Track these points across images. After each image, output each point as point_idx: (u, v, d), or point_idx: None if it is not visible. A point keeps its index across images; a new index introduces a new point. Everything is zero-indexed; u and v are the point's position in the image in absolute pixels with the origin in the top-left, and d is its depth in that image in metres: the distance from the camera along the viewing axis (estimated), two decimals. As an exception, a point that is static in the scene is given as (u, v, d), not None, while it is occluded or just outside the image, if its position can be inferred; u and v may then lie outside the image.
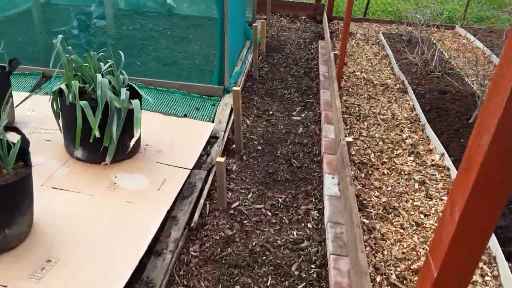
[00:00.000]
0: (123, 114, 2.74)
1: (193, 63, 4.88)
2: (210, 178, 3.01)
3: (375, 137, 3.82)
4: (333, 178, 3.10)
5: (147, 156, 3.01)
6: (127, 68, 4.63)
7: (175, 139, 3.26)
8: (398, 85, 4.91)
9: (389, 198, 3.02)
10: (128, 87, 2.95)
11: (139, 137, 3.05)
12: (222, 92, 4.24)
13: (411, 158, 3.52)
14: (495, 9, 9.19)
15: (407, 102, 4.52)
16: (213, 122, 3.74)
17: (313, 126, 3.98)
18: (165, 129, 3.39)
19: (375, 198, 3.00)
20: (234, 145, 3.53)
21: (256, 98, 4.45)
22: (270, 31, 6.82)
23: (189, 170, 2.93)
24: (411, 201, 3.01)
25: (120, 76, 2.94)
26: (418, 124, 4.06)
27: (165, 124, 3.48)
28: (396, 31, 7.02)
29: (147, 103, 3.93)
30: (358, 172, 3.31)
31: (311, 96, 4.62)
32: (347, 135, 3.82)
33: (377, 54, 5.95)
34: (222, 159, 2.61)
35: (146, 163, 2.92)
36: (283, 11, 7.66)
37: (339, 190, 2.96)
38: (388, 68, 5.44)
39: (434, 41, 5.97)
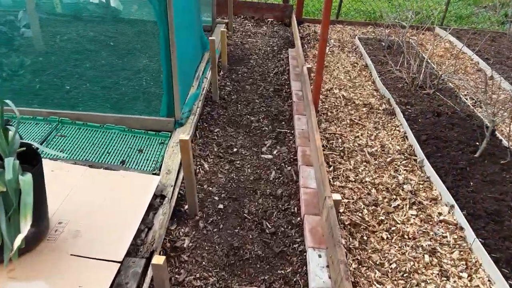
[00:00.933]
0: (14, 199, 1.83)
1: (138, 84, 3.95)
2: (151, 271, 2.15)
3: (366, 181, 3.06)
4: (319, 256, 2.31)
5: (58, 244, 2.10)
6: (50, 97, 3.70)
7: (101, 208, 2.37)
8: (384, 105, 4.18)
9: (395, 282, 2.26)
10: (23, 148, 2.03)
11: (46, 216, 2.15)
12: (173, 125, 3.36)
13: (413, 212, 2.79)
14: (472, 5, 8.69)
15: (397, 128, 3.79)
16: (159, 170, 2.87)
17: (288, 168, 3.17)
18: (88, 192, 2.49)
19: (377, 285, 2.23)
20: (186, 206, 2.68)
21: (216, 130, 3.59)
22: (233, 37, 5.96)
23: (118, 264, 2.05)
24: (423, 284, 2.27)
25: (10, 132, 2.02)
26: (415, 161, 3.33)
27: (89, 183, 2.57)
28: (373, 34, 6.32)
29: (71, 149, 3.00)
30: (350, 239, 2.54)
31: (283, 123, 3.81)
32: (331, 180, 3.04)
33: (355, 65, 5.21)
34: (161, 260, 1.76)
35: (53, 259, 2.02)
36: (247, 13, 6.80)
37: (330, 278, 2.17)
38: (370, 83, 4.70)
39: (418, 49, 5.29)
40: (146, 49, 4.31)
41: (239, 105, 4.05)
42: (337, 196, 2.43)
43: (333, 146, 3.48)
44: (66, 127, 3.26)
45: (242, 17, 6.79)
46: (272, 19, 6.76)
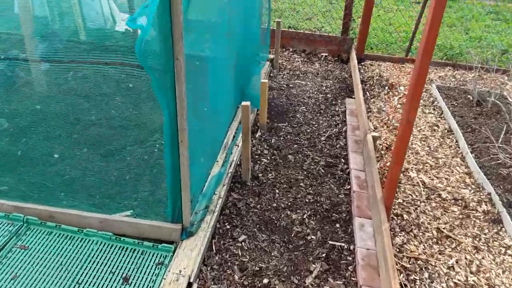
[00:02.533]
0: None
1: (135, 169, 2.96)
2: None
3: None
4: None
5: None
6: (20, 182, 2.64)
7: None
8: (483, 205, 2.94)
9: None
10: None
11: None
12: (179, 235, 2.34)
13: None
14: None
15: (508, 251, 2.56)
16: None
17: (345, 328, 2.05)
18: None
19: None
20: None
21: (242, 238, 2.53)
22: (277, 77, 4.91)
23: None
24: None
25: None
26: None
27: None
28: (454, 80, 5.03)
29: (28, 275, 2.04)
30: None
31: (338, 227, 2.69)
32: None
33: (435, 128, 3.98)
34: None
35: None
36: (297, 45, 5.73)
37: None
38: (458, 160, 3.46)
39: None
40: (147, 114, 3.33)
41: (277, 190, 2.97)
42: None
43: (414, 280, 2.31)
44: (31, 231, 2.33)
45: (291, 50, 5.73)
46: (326, 54, 5.65)
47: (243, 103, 2.78)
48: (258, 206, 2.81)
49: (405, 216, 2.80)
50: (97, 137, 3.24)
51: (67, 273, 2.10)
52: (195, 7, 2.44)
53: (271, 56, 5.11)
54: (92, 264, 2.18)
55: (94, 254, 2.24)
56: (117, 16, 5.30)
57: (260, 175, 3.12)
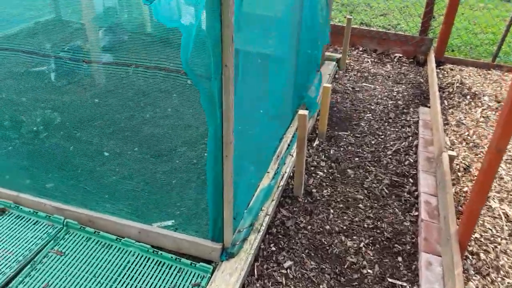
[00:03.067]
0: None
1: (178, 178, 2.80)
2: None
3: None
4: None
5: None
6: (62, 182, 2.55)
7: None
8: None
9: None
10: None
11: None
12: (219, 255, 2.14)
13: None
14: None
15: None
16: None
17: None
18: None
19: None
20: None
21: (288, 264, 2.28)
22: (343, 79, 4.54)
23: None
24: None
25: None
26: None
27: None
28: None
29: (60, 285, 1.95)
30: None
31: (400, 261, 2.34)
32: None
33: (526, 148, 3.42)
34: None
35: None
36: (368, 45, 5.29)
37: None
38: (554, 190, 2.92)
39: None
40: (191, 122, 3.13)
41: (331, 210, 2.67)
42: None
43: None
44: (70, 235, 2.25)
45: (361, 49, 5.31)
46: (400, 55, 5.15)
47: (301, 112, 2.50)
48: (309, 227, 2.53)
49: (482, 255, 2.37)
50: (149, 135, 3.14)
51: (100, 286, 1.99)
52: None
53: (338, 56, 4.75)
54: (127, 279, 2.04)
55: (130, 266, 2.11)
56: (183, 8, 5.23)
57: (314, 190, 2.83)
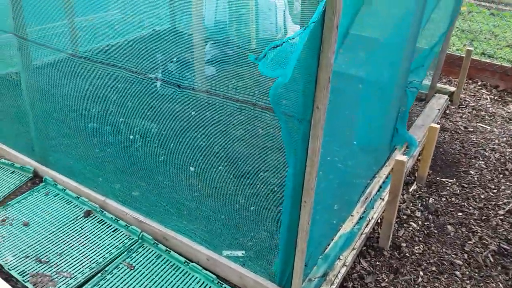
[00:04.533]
0: None
1: (260, 192, 2.69)
2: None
3: None
4: None
5: None
6: (149, 194, 2.62)
7: None
8: None
9: None
10: None
11: None
12: (284, 304, 1.98)
13: None
14: None
15: None
16: None
17: None
18: None
19: None
20: None
21: (360, 328, 2.02)
22: (454, 116, 4.06)
23: None
24: None
25: None
26: None
27: None
28: None
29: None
30: None
31: None
32: None
33: None
34: None
35: None
36: (489, 79, 4.69)
37: None
38: None
39: None
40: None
41: (421, 272, 2.33)
42: None
43: None
44: (143, 249, 2.26)
45: (479, 83, 4.73)
46: (528, 95, 4.47)
47: (399, 156, 2.22)
48: None
49: None
50: (236, 154, 3.10)
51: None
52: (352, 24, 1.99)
53: (452, 89, 4.27)
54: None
55: (192, 295, 2.05)
56: (289, 27, 5.17)
57: (403, 244, 2.51)
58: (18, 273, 2.04)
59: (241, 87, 3.57)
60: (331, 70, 1.45)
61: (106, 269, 2.12)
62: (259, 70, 1.41)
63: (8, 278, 2.03)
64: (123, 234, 2.35)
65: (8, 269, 2.06)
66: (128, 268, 2.14)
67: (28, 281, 2.00)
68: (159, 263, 2.19)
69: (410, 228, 2.65)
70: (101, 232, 2.35)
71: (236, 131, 3.38)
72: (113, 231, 2.36)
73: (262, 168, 2.95)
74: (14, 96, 3.19)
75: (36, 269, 2.08)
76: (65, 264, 2.12)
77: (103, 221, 2.43)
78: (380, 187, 2.82)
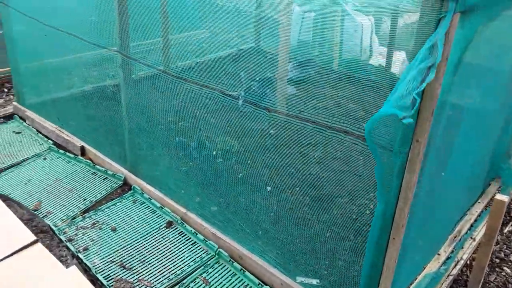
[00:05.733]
0: None
1: (336, 219, 2.59)
2: None
3: None
4: None
5: None
6: (230, 206, 2.69)
7: None
8: None
9: None
10: None
11: None
12: None
13: None
14: None
15: None
16: None
17: None
18: None
19: None
20: None
21: None
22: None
23: None
24: None
25: None
26: None
27: None
28: None
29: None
30: None
31: None
32: None
33: None
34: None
35: None
36: None
37: None
38: None
39: None
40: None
41: (518, 327, 2.09)
42: None
43: None
44: (219, 265, 2.29)
45: None
46: None
47: (499, 196, 2.02)
48: None
49: None
50: (313, 177, 3.05)
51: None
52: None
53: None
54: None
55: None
56: (375, 49, 5.04)
57: (497, 291, 2.28)
58: (104, 277, 2.16)
59: (320, 108, 3.52)
60: (436, 103, 1.36)
61: (184, 281, 2.17)
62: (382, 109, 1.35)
63: (94, 281, 2.15)
64: (201, 248, 2.39)
65: (95, 272, 2.19)
66: (204, 283, 2.17)
67: (112, 286, 2.11)
68: (233, 282, 2.19)
69: (503, 273, 2.39)
70: (181, 244, 2.42)
71: (314, 152, 3.32)
72: (191, 244, 2.42)
73: (340, 194, 2.86)
74: (110, 107, 3.44)
75: (120, 274, 2.19)
76: (146, 273, 2.21)
77: (183, 233, 2.50)
78: (472, 225, 2.59)
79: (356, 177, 2.92)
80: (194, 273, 2.23)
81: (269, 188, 2.95)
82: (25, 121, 3.76)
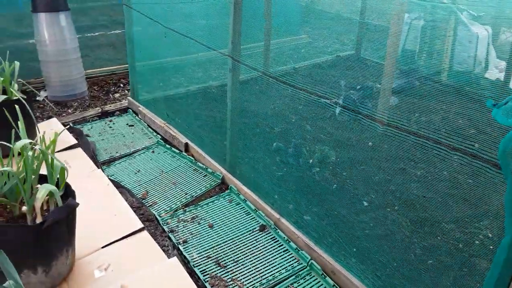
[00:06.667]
0: None
1: (440, 246, 2.39)
2: None
3: None
4: None
5: None
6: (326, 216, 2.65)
7: None
8: None
9: None
10: None
11: None
12: None
13: None
14: None
15: None
16: None
17: None
18: None
19: None
20: None
21: None
22: None
23: None
24: None
25: None
26: None
27: None
28: None
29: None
30: None
31: None
32: None
33: None
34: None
35: None
36: None
37: None
38: None
39: None
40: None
41: None
42: None
43: None
44: (310, 277, 2.25)
45: None
46: None
47: None
48: None
49: None
50: (415, 196, 2.87)
51: None
52: None
53: None
54: None
55: None
56: (492, 61, 4.61)
57: None
58: (200, 272, 2.26)
59: (425, 122, 3.30)
60: None
61: (275, 288, 2.17)
62: (493, 116, 1.24)
63: (191, 274, 2.25)
64: (293, 257, 2.38)
65: (193, 265, 2.29)
66: (292, 294, 2.16)
67: (207, 281, 2.19)
68: (323, 298, 2.14)
69: None
70: (273, 250, 2.43)
71: (417, 170, 3.13)
72: (283, 251, 2.42)
73: (445, 219, 2.65)
74: (214, 107, 3.60)
75: (215, 271, 2.27)
76: (239, 273, 2.26)
77: (276, 239, 2.51)
78: None
79: (465, 201, 2.69)
80: (285, 281, 2.22)
81: (365, 203, 2.84)
82: (137, 115, 4.10)
